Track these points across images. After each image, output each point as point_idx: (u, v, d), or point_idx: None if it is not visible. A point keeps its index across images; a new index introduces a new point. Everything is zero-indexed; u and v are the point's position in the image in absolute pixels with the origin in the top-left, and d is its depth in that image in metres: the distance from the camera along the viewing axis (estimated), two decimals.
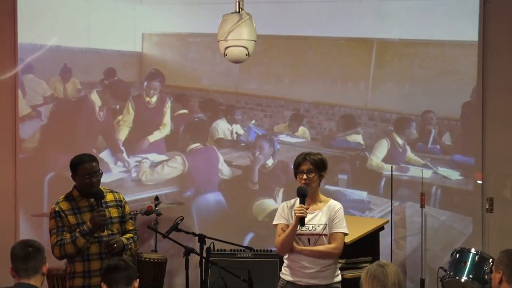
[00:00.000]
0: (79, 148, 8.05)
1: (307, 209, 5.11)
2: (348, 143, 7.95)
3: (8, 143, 8.08)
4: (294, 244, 5.16)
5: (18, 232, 7.98)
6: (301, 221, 5.07)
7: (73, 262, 5.22)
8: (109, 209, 5.28)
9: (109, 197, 5.33)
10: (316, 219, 5.19)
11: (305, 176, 5.16)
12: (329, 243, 5.18)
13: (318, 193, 5.27)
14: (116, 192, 5.43)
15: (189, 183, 8.08)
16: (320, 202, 5.26)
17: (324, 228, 5.17)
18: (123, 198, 5.44)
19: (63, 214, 5.19)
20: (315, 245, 5.16)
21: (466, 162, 7.76)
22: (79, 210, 5.23)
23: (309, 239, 5.17)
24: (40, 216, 7.73)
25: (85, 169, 5.18)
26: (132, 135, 8.15)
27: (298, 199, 5.18)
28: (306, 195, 5.13)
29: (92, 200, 5.24)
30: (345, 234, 5.25)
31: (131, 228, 5.39)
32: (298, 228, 5.11)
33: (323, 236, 5.17)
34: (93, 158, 5.28)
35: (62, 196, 5.30)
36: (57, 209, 5.21)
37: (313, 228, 5.17)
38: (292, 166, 5.30)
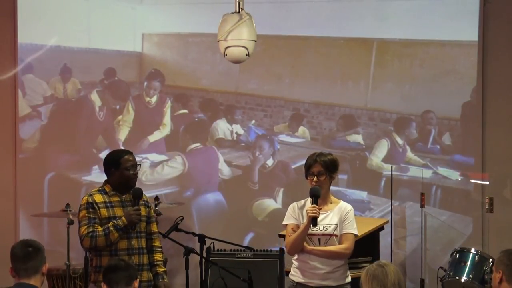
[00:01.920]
0: (79, 148, 8.11)
1: (319, 209, 5.12)
2: (348, 143, 7.94)
3: (8, 143, 8.08)
4: (305, 244, 5.17)
5: (18, 232, 7.98)
6: (313, 221, 5.08)
7: (100, 256, 5.24)
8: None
9: None
10: (327, 220, 5.19)
11: (315, 179, 5.17)
12: (340, 243, 5.18)
13: (329, 194, 5.28)
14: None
15: (189, 183, 8.07)
16: (331, 203, 5.27)
17: (335, 229, 5.18)
18: (148, 199, 5.55)
19: (96, 206, 5.22)
20: (325, 246, 5.17)
21: (466, 162, 7.75)
22: (111, 204, 5.27)
23: (319, 239, 5.18)
24: (40, 216, 7.73)
25: (128, 160, 5.29)
26: (132, 135, 8.14)
27: (309, 200, 5.19)
28: (319, 196, 5.13)
29: (124, 196, 5.30)
30: (355, 236, 5.25)
31: (155, 230, 5.48)
32: (309, 228, 5.11)
33: (334, 237, 5.18)
34: (131, 152, 5.41)
35: (95, 189, 5.36)
36: (90, 200, 5.23)
37: (324, 229, 5.17)
38: (303, 167, 5.29)
